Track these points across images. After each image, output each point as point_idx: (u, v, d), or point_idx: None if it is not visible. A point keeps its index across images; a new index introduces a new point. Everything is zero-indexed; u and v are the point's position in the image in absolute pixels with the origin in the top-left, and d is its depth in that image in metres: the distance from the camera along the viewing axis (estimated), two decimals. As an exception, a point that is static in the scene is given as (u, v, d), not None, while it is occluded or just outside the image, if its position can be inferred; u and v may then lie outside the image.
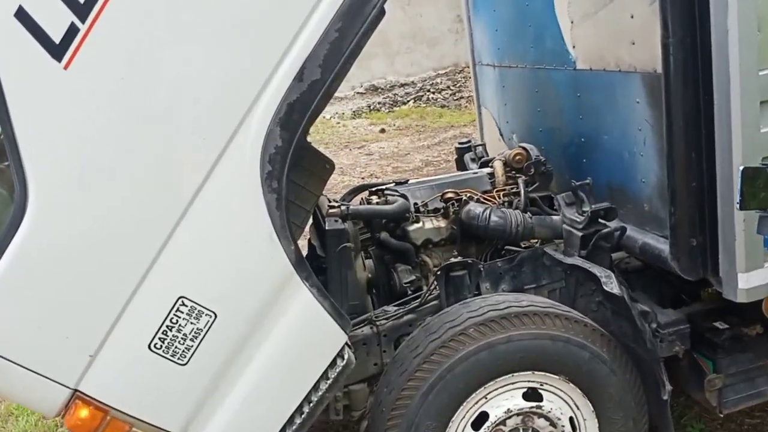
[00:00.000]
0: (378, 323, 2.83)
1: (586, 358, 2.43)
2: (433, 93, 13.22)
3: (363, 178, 8.74)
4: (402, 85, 13.77)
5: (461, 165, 4.13)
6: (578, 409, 2.51)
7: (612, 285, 2.46)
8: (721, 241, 2.39)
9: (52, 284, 1.95)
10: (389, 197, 3.18)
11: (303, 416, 2.20)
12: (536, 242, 3.10)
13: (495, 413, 2.43)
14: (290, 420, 2.20)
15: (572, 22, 3.04)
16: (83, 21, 1.83)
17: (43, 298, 1.95)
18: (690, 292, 2.98)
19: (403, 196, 3.20)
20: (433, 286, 2.84)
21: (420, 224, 3.14)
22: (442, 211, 3.15)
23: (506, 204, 3.17)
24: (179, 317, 2.03)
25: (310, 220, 3.04)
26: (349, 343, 2.27)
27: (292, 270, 2.10)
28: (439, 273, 2.76)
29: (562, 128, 3.38)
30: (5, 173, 1.98)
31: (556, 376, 2.45)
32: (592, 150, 3.14)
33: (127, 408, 2.05)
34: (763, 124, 2.29)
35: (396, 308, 2.90)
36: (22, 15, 1.80)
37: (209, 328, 2.05)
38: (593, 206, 2.77)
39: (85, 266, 1.96)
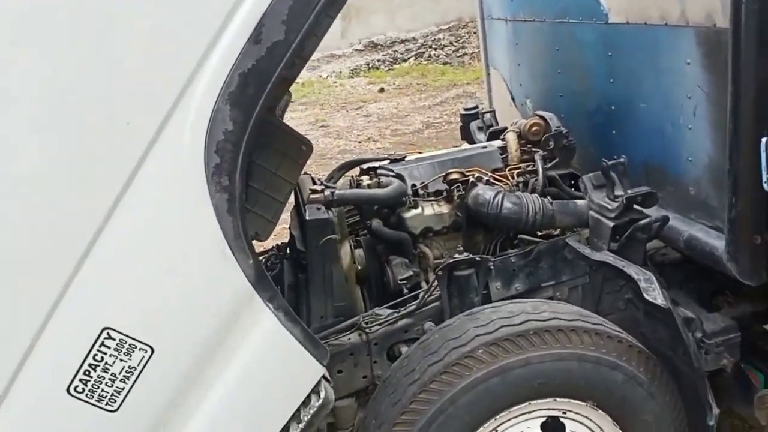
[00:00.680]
0: (368, 329, 2.37)
1: (620, 380, 1.98)
2: (435, 49, 12.53)
3: (360, 142, 8.23)
4: (402, 41, 13.05)
5: (466, 134, 3.62)
6: (608, 439, 2.08)
7: (655, 294, 1.99)
8: (794, 240, 1.91)
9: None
10: (382, 178, 2.69)
11: (271, 466, 1.77)
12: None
13: (509, 449, 2.00)
14: (255, 471, 1.77)
15: (604, -35, 2.51)
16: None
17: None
18: (734, 287, 2.52)
19: (399, 176, 2.70)
20: (433, 287, 2.37)
21: (419, 210, 2.65)
22: (444, 194, 2.66)
23: (521, 185, 2.67)
24: (105, 353, 1.58)
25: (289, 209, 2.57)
26: (327, 377, 1.82)
27: (251, 290, 1.63)
28: (440, 273, 2.30)
29: (587, 93, 2.86)
30: None
31: (583, 403, 2.00)
32: (624, 120, 2.63)
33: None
34: None
35: (389, 311, 2.44)
36: None
37: (144, 365, 1.60)
38: (629, 191, 2.28)
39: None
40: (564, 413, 2.03)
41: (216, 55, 1.49)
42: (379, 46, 13.00)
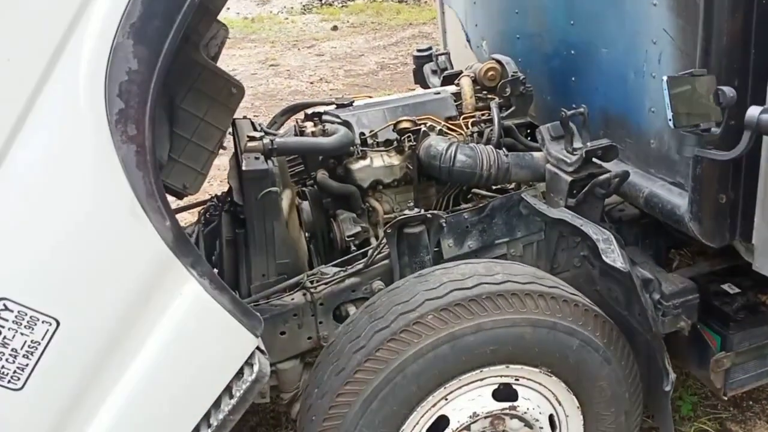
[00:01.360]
0: (312, 289, 2.19)
1: (575, 346, 1.86)
2: (391, -14, 12.03)
3: (312, 83, 7.87)
4: (357, -23, 12.49)
5: (420, 77, 3.38)
6: (560, 405, 1.97)
7: (614, 256, 1.86)
8: (761, 199, 1.78)
9: None
10: (328, 125, 2.45)
11: (202, 443, 1.60)
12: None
13: (457, 418, 1.87)
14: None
15: None
16: None
17: None
18: (691, 244, 2.43)
19: (346, 123, 2.47)
20: (382, 244, 2.19)
21: (367, 161, 2.44)
22: (395, 144, 2.46)
23: (475, 136, 2.49)
24: (2, 327, 1.35)
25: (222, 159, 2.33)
26: (262, 348, 1.63)
27: (169, 255, 1.41)
28: (389, 230, 2.11)
29: (545, 36, 2.65)
30: None
31: (536, 369, 1.88)
32: (584, 66, 2.45)
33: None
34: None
35: (336, 269, 2.26)
36: None
37: (49, 340, 1.38)
38: (588, 144, 2.12)
39: None
40: (516, 380, 1.91)
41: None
42: (332, -18, 12.42)
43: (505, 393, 1.91)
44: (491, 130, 2.47)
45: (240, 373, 1.58)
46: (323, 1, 11.86)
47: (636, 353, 2.02)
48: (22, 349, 1.38)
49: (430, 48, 3.33)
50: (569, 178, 2.13)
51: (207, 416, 1.58)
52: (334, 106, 2.61)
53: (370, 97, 2.83)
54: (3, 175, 1.25)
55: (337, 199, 2.48)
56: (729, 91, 1.59)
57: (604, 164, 2.16)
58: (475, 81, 2.66)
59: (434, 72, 3.26)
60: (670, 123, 1.62)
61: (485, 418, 1.89)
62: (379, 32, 9.94)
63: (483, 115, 2.54)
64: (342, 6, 11.68)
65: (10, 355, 1.38)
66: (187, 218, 3.67)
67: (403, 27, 10.08)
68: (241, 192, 2.31)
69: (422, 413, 1.84)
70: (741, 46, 1.68)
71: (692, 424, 2.65)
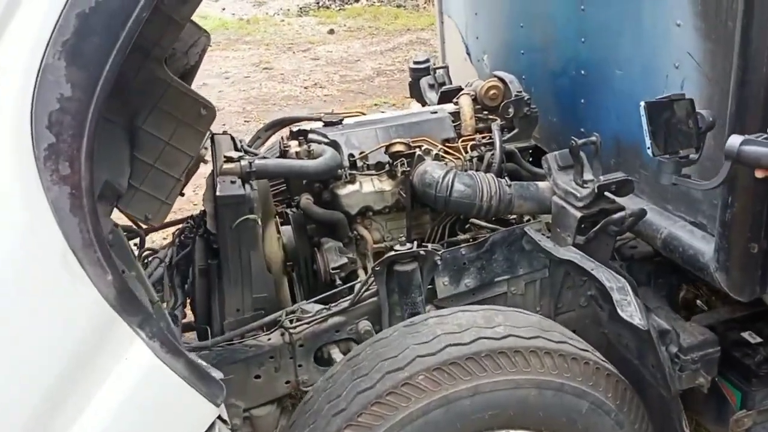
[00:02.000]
0: (291, 329, 1.95)
1: (584, 409, 1.63)
2: (389, -10, 11.81)
3: (306, 88, 7.63)
4: (355, -20, 12.26)
5: (416, 91, 3.15)
6: (565, 471, 1.74)
7: (631, 310, 1.62)
8: (799, 251, 1.56)
9: None
10: (314, 146, 2.22)
11: None
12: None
13: (449, 489, 1.63)
14: None
15: None
16: None
17: None
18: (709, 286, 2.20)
19: (334, 144, 2.24)
20: (370, 281, 1.95)
21: (356, 186, 2.21)
22: (387, 168, 2.22)
23: (475, 161, 2.25)
24: None
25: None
26: (224, 417, 1.39)
27: (111, 314, 1.17)
28: (378, 268, 1.88)
29: (553, 52, 2.43)
30: None
31: (540, 434, 1.65)
32: (595, 88, 2.22)
33: None
34: None
35: (318, 306, 2.02)
36: None
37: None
38: (602, 177, 1.89)
39: None
40: (516, 444, 1.67)
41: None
42: (330, -16, 12.18)
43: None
44: (492, 154, 2.24)
45: (198, 447, 1.33)
46: (320, 4, 11.62)
47: (647, 406, 1.80)
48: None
49: (427, 60, 3.10)
50: (579, 214, 1.90)
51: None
52: (322, 123, 2.38)
53: (362, 113, 2.59)
54: None
55: (322, 225, 2.25)
56: (708, 114, 1.51)
57: (618, 200, 1.93)
58: (475, 100, 2.43)
59: (431, 86, 3.03)
60: (648, 151, 1.53)
61: (480, 488, 1.65)
62: (376, 37, 9.70)
63: (483, 137, 2.31)
64: (339, 9, 11.44)
65: None
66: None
67: (400, 32, 9.85)
68: (215, 218, 2.08)
69: (410, 484, 1.60)
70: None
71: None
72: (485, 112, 2.41)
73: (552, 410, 1.60)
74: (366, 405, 1.51)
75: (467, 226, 2.27)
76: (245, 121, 6.64)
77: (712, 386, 1.99)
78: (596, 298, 2.04)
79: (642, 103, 1.51)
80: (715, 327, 1.98)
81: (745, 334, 2.03)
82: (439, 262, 1.91)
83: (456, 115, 2.40)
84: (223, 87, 7.72)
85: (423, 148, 2.17)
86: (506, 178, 2.09)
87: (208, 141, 2.46)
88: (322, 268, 2.14)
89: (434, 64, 3.07)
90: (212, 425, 1.33)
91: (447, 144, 2.28)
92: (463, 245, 1.99)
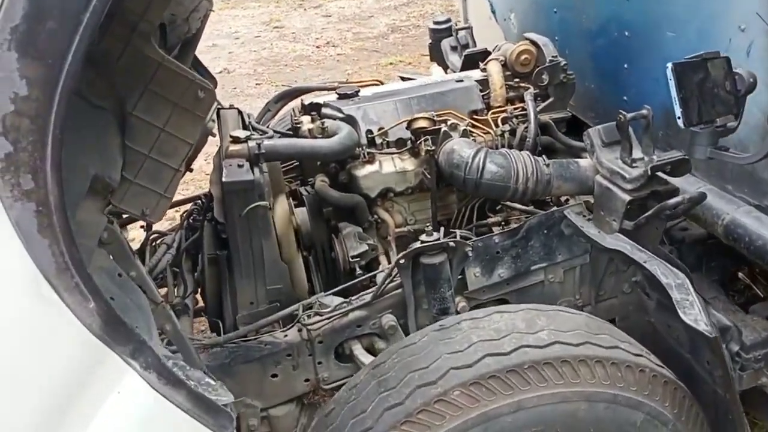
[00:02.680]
0: (309, 325, 1.77)
1: (639, 421, 1.44)
2: (402, -59, 11.25)
3: (318, 47, 7.31)
4: (366, -69, 11.70)
5: (436, 54, 2.90)
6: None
7: (695, 313, 1.40)
8: None
9: None
10: (328, 122, 1.99)
11: None
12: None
13: None
14: None
15: None
16: None
17: None
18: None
19: (350, 119, 2.02)
20: (394, 274, 1.76)
21: (375, 166, 1.99)
22: (409, 145, 2.00)
23: (506, 135, 2.02)
24: None
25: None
26: (235, 449, 1.21)
27: (97, 345, 0.99)
28: (402, 261, 1.67)
29: (591, 11, 2.15)
30: None
31: (588, 449, 1.47)
32: (642, 51, 1.96)
33: None
34: None
35: (337, 299, 1.83)
36: None
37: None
38: (655, 156, 1.65)
39: None
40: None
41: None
42: (340, -64, 11.65)
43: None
44: (526, 128, 2.00)
45: (206, 483, 1.17)
46: (330, -43, 11.12)
47: (701, 403, 1.61)
48: None
49: (449, 20, 2.84)
50: (627, 197, 1.68)
51: None
52: (336, 95, 2.15)
53: (379, 82, 2.35)
54: None
55: (338, 209, 2.04)
56: (747, 74, 1.38)
57: (672, 180, 1.70)
58: (504, 66, 2.18)
59: (454, 49, 2.78)
60: (680, 122, 1.40)
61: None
62: (389, -9, 9.27)
63: (515, 109, 2.07)
64: (350, -38, 10.95)
65: None
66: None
67: (415, -15, 9.40)
68: (222, 205, 1.88)
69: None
70: None
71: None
72: (516, 80, 2.16)
73: (603, 424, 1.41)
74: (395, 424, 1.33)
75: (498, 207, 2.05)
76: (257, 84, 6.38)
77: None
78: (642, 285, 1.84)
79: (669, 65, 1.38)
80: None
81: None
82: (470, 254, 1.71)
83: (484, 84, 2.15)
84: (233, 48, 7.43)
85: (449, 123, 1.94)
86: (543, 156, 1.85)
87: (215, 114, 2.26)
88: (341, 256, 1.95)
89: (456, 24, 2.80)
90: (222, 459, 1.16)
91: (475, 117, 2.05)
92: (496, 233, 1.78)
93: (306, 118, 2.05)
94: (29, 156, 0.83)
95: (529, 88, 2.11)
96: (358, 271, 1.93)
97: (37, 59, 0.79)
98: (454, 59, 2.72)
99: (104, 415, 1.03)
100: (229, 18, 8.42)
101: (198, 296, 2.27)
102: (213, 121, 2.27)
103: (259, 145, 1.80)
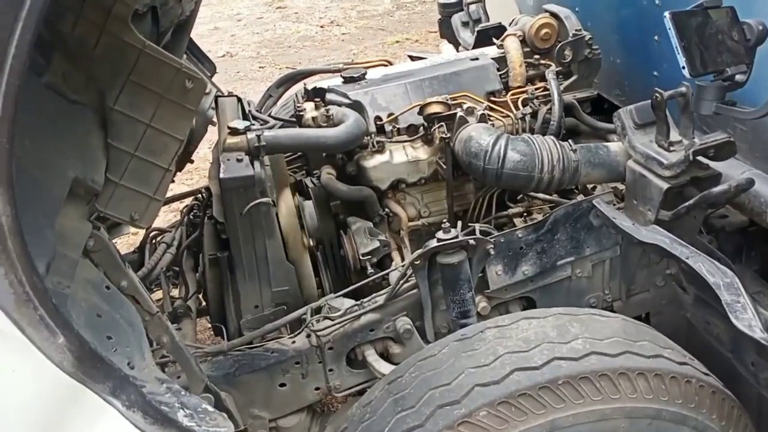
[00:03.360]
0: (318, 331, 1.64)
1: (685, 436, 1.30)
2: None
3: (322, 27, 7.11)
4: None
5: (447, 30, 2.72)
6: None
7: (748, 318, 1.24)
8: None
9: None
10: (333, 109, 1.83)
11: None
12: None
13: None
14: None
15: None
16: None
17: None
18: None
19: (357, 105, 1.85)
20: (408, 275, 1.61)
21: (385, 156, 1.83)
22: (421, 132, 1.83)
23: (528, 119, 1.85)
24: None
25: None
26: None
27: (70, 383, 0.85)
28: (418, 262, 1.52)
29: (618, -21, 1.97)
30: None
31: (629, 467, 1.33)
32: (676, 22, 1.77)
33: None
34: None
35: (348, 302, 1.69)
36: None
37: None
38: (696, 139, 1.48)
39: None
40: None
41: None
42: None
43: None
44: (549, 110, 1.83)
45: None
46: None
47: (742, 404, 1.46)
48: None
49: (459, -7, 2.65)
50: (665, 185, 1.51)
51: None
52: (341, 78, 1.98)
53: (388, 63, 2.18)
54: None
55: (347, 203, 1.89)
56: (756, 23, 1.32)
57: (714, 165, 1.53)
58: (523, 41, 2.00)
59: (465, 24, 2.60)
60: (684, 71, 1.35)
61: None
62: (393, -35, 9.00)
63: (537, 89, 1.90)
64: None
65: None
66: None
67: (419, -41, 9.12)
68: (221, 203, 1.73)
69: None
70: None
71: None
72: (536, 57, 1.98)
73: (645, 441, 1.26)
74: (415, 449, 1.19)
75: (519, 197, 1.89)
76: (260, 67, 6.20)
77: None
78: (678, 278, 1.69)
79: (667, 14, 1.34)
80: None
81: None
82: (492, 251, 1.55)
83: (501, 62, 1.97)
84: (236, 30, 7.24)
85: (465, 107, 1.77)
86: (570, 141, 1.69)
87: (214, 102, 2.11)
88: (351, 254, 1.81)
89: (468, -1, 2.62)
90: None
91: (493, 99, 1.88)
92: (519, 227, 1.62)
93: (309, 105, 1.89)
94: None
95: (550, 65, 1.93)
96: (370, 269, 1.79)
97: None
98: (466, 36, 2.54)
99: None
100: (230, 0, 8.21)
101: (201, 296, 2.15)
102: (213, 108, 2.13)
103: (259, 136, 1.65)
